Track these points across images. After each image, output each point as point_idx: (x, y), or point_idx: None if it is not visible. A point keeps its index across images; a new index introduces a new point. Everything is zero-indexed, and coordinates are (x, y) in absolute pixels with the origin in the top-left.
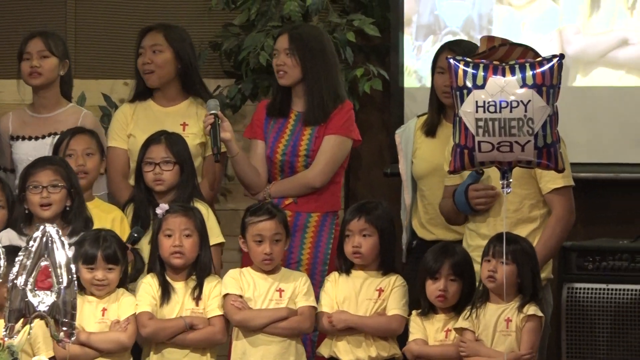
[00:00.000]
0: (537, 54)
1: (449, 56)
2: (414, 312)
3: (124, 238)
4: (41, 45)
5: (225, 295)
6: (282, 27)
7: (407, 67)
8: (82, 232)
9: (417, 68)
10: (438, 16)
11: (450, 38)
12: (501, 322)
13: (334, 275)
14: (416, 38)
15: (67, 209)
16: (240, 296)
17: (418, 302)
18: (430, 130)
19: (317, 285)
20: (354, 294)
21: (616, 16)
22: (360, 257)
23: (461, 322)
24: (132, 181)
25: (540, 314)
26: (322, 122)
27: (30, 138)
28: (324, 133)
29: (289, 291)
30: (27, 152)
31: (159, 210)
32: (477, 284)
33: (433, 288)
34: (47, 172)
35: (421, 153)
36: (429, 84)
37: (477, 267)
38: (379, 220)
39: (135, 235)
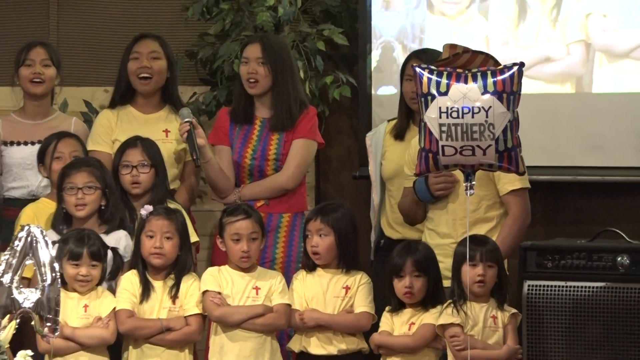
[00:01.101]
0: (497, 62)
1: (414, 64)
2: (387, 308)
3: None
4: (44, 54)
5: (205, 292)
6: (250, 36)
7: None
8: (119, 230)
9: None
10: (374, 26)
11: (385, 47)
12: (488, 319)
13: (302, 273)
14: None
15: (103, 208)
16: (219, 293)
17: (388, 299)
18: (399, 134)
19: (291, 281)
20: (322, 291)
21: (541, 29)
22: (319, 257)
23: (448, 318)
24: None
25: (519, 313)
26: (290, 128)
27: (26, 143)
28: (292, 137)
29: (265, 289)
30: (23, 156)
31: (143, 212)
32: (442, 280)
33: (400, 286)
34: (82, 174)
35: (390, 155)
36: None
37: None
38: (336, 220)
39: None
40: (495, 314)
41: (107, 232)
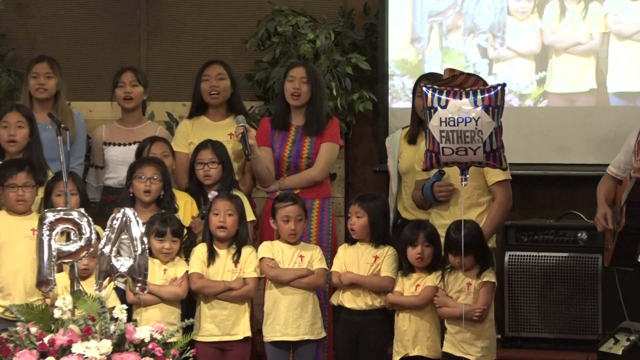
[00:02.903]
0: (485, 82)
1: (422, 84)
2: (400, 272)
3: (191, 215)
4: (132, 76)
5: (262, 259)
6: (294, 61)
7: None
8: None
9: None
10: (475, 22)
11: (481, 37)
12: (463, 285)
13: (344, 245)
14: (463, 34)
15: (161, 197)
16: (272, 259)
17: (401, 265)
18: (411, 139)
19: (324, 250)
20: (357, 259)
21: (575, 22)
22: (354, 232)
23: (435, 282)
24: None
25: (493, 280)
26: (319, 134)
27: (120, 144)
28: (321, 141)
29: (307, 257)
30: (117, 154)
31: (210, 195)
32: (442, 252)
33: (413, 253)
34: (150, 168)
35: (405, 155)
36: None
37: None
38: (370, 207)
39: (204, 212)
40: (470, 281)
41: None
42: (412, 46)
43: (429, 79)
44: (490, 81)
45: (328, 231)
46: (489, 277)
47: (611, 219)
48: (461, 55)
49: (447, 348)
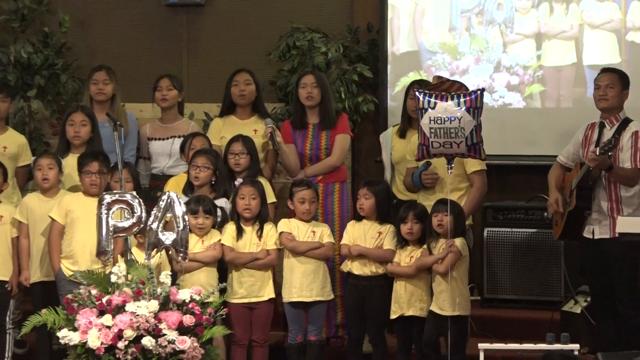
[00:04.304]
0: (466, 88)
1: (415, 88)
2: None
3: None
4: (168, 82)
5: (281, 233)
6: (304, 70)
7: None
8: (223, 198)
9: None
10: (493, 16)
11: (497, 26)
12: (441, 248)
13: (352, 222)
14: (485, 24)
15: (213, 182)
16: (290, 233)
17: (398, 239)
18: (402, 134)
19: (345, 227)
20: (363, 233)
21: (560, 15)
22: (363, 211)
23: (424, 246)
24: None
25: (459, 248)
26: (332, 127)
27: (160, 139)
28: (335, 133)
29: (318, 233)
30: (158, 147)
31: (236, 182)
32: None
33: (404, 228)
34: (202, 158)
35: (396, 148)
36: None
37: None
38: (376, 190)
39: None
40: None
41: (215, 198)
42: (450, 33)
43: (420, 84)
44: (504, 58)
45: (348, 208)
46: (458, 243)
47: (562, 203)
48: (483, 39)
49: (432, 307)
